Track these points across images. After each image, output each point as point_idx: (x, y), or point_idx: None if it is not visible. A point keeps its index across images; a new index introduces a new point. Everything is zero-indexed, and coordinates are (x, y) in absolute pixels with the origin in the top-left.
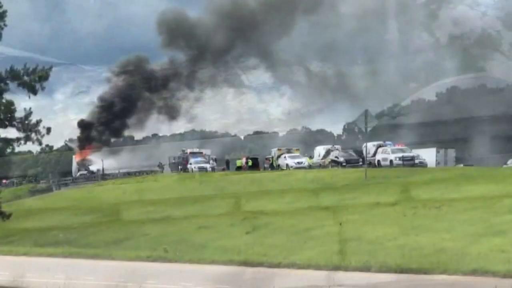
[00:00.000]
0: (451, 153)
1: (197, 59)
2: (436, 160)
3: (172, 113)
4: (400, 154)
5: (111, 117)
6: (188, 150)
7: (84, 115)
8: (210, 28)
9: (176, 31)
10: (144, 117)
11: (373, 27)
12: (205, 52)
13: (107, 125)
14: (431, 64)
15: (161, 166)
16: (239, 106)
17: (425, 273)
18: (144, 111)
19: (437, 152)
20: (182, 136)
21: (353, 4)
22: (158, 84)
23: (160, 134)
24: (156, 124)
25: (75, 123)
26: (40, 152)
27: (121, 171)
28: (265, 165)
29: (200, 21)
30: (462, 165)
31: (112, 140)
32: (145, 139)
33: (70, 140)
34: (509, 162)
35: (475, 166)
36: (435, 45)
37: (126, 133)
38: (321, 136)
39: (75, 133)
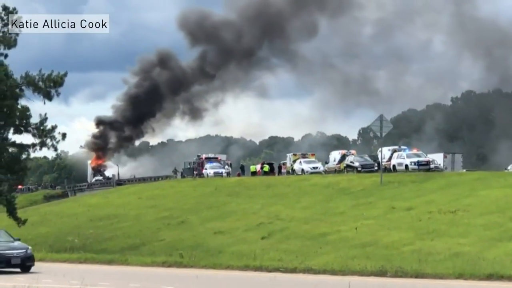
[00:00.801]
0: (459, 158)
1: (219, 61)
2: (444, 165)
3: (195, 114)
4: (416, 159)
5: (135, 114)
6: (203, 156)
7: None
8: (233, 29)
9: (198, 31)
10: (167, 118)
11: (395, 30)
12: (227, 55)
13: (129, 123)
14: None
15: (175, 171)
16: (256, 110)
17: (440, 278)
18: (167, 111)
19: (445, 157)
20: (197, 141)
21: (375, 7)
22: (181, 86)
23: (176, 140)
24: (179, 125)
25: (90, 128)
26: (55, 158)
27: (136, 176)
28: (283, 170)
29: (225, 21)
30: (464, 170)
31: (133, 138)
32: (160, 145)
33: (87, 144)
34: (509, 167)
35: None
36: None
37: (149, 130)
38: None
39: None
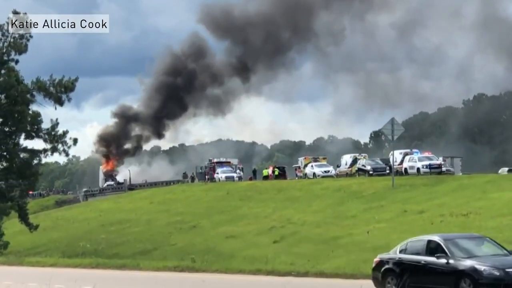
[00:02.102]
0: (457, 161)
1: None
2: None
3: (219, 110)
4: (427, 162)
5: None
6: (215, 160)
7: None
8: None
9: (220, 28)
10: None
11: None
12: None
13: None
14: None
15: (185, 176)
16: (268, 114)
17: None
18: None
19: (443, 161)
20: (208, 146)
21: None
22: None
23: (187, 144)
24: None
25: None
26: (66, 163)
27: (148, 181)
28: (298, 174)
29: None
30: (461, 173)
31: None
32: (172, 149)
33: (98, 150)
34: (500, 171)
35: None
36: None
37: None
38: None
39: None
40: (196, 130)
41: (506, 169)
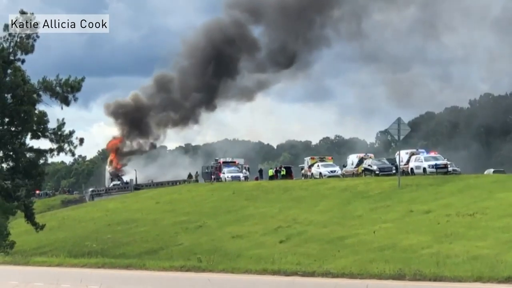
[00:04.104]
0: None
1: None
2: None
3: (246, 96)
4: (433, 162)
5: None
6: (221, 160)
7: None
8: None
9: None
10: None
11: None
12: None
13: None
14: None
15: (190, 176)
16: (275, 114)
17: (459, 281)
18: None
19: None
20: (213, 146)
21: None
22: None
23: (193, 144)
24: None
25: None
26: (72, 163)
27: (154, 181)
28: (309, 173)
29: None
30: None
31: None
32: (178, 149)
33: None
34: (486, 172)
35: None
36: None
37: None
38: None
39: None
40: (203, 130)
41: (492, 170)
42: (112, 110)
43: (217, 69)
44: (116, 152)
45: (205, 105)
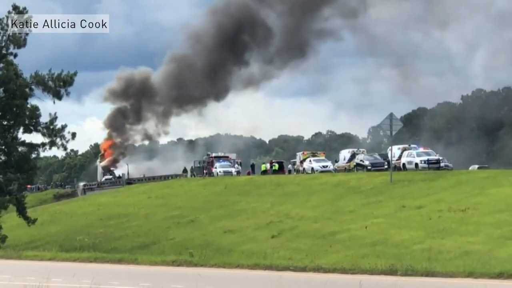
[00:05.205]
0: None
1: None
2: None
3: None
4: (426, 157)
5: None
6: (213, 154)
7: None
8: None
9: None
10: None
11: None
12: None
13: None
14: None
15: (185, 170)
16: (267, 109)
17: (451, 276)
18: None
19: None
20: (207, 140)
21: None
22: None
23: (185, 139)
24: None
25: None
26: (65, 157)
27: (146, 175)
28: (301, 168)
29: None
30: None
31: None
32: (170, 143)
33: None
34: (470, 168)
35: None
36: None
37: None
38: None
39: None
40: (195, 124)
41: (476, 166)
42: (119, 84)
43: (222, 57)
44: (109, 146)
45: (213, 96)
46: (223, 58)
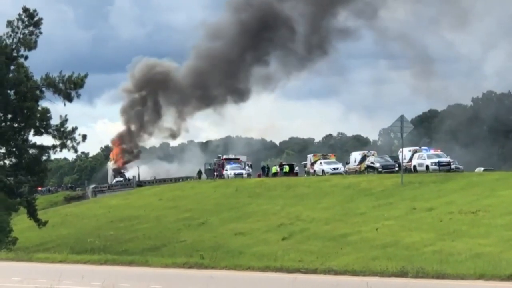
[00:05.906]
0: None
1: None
2: None
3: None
4: (436, 159)
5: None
6: (224, 157)
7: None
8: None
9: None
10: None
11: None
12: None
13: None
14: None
15: (200, 173)
16: (279, 111)
17: (462, 278)
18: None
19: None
20: (218, 142)
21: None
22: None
23: (196, 141)
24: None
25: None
26: (75, 160)
27: (157, 177)
28: (311, 171)
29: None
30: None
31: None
32: (181, 145)
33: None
34: (476, 170)
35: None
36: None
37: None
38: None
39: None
40: (206, 126)
41: (482, 168)
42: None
43: (243, 55)
44: (119, 147)
45: (235, 97)
46: (243, 55)
